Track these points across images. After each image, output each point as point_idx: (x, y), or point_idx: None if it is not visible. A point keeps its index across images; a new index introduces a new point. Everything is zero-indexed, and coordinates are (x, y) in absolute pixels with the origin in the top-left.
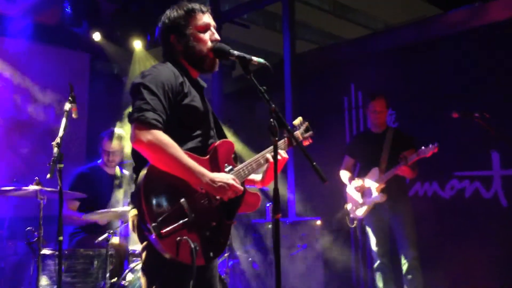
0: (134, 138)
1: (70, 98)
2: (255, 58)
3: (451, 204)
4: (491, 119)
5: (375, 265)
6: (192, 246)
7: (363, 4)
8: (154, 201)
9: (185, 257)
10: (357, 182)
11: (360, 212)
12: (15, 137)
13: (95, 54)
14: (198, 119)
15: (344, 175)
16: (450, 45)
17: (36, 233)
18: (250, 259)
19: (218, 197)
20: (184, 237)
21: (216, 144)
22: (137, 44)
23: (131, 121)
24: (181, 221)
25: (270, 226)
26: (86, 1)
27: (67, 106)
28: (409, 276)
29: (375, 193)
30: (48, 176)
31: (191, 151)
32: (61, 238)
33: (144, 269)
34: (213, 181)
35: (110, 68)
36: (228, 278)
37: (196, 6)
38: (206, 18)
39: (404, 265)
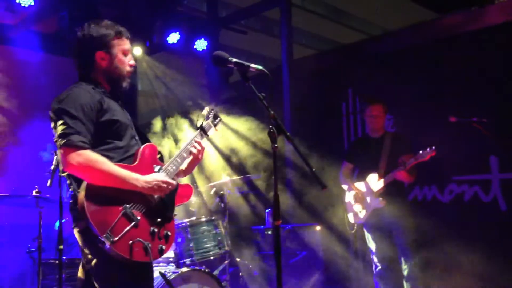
0: (65, 163)
1: None
2: (253, 65)
3: (450, 208)
4: (489, 123)
5: (375, 271)
6: (145, 244)
7: (360, 10)
8: (99, 215)
9: (140, 256)
10: (356, 187)
11: (359, 217)
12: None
13: None
14: (121, 131)
15: (343, 180)
16: (447, 49)
17: (36, 242)
18: (250, 266)
19: (156, 195)
20: (137, 239)
21: (140, 149)
22: (137, 51)
23: (58, 147)
24: (129, 226)
25: (269, 232)
26: (85, 8)
27: None
28: (410, 282)
29: (374, 198)
30: (48, 184)
31: (121, 162)
32: (61, 247)
33: (98, 280)
34: (148, 182)
35: None
36: (228, 285)
37: (123, 29)
38: (128, 44)
39: (405, 271)
